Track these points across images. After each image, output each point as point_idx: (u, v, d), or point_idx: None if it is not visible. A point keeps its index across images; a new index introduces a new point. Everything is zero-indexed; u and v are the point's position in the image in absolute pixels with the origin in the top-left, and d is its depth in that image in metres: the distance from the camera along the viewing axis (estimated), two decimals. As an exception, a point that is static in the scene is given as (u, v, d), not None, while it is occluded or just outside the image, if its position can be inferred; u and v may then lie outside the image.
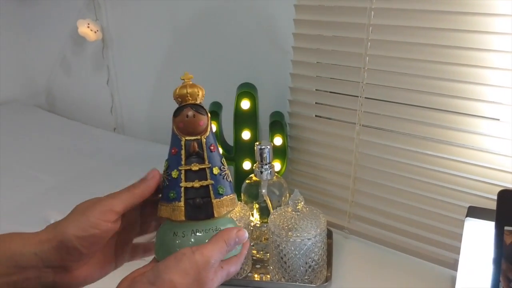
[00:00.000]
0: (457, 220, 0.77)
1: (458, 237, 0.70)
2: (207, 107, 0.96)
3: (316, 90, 0.91)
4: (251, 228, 0.84)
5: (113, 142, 1.26)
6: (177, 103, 0.48)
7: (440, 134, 0.77)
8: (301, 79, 0.91)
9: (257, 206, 0.85)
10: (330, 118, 0.90)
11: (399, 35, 0.76)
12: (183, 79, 0.48)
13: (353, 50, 0.81)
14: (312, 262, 0.75)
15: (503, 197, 0.57)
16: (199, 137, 0.47)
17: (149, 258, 0.50)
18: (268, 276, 0.80)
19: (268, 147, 0.81)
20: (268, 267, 0.81)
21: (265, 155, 0.81)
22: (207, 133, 0.47)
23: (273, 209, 0.82)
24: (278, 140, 0.92)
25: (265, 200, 0.83)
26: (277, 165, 0.92)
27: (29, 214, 0.86)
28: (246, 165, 0.95)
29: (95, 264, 0.48)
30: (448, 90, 0.74)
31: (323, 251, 0.76)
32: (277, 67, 1.01)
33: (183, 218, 0.46)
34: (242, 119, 0.92)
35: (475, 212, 0.68)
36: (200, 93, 0.47)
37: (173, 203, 0.46)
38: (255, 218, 0.86)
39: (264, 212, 0.85)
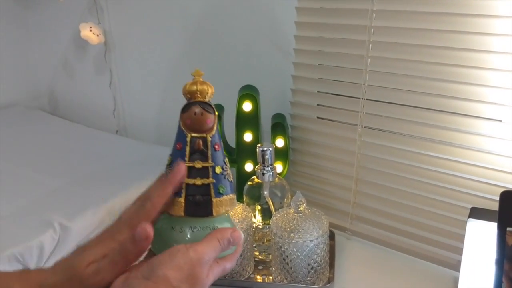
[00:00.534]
0: (459, 221, 0.77)
1: (461, 238, 0.70)
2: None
3: (318, 92, 0.91)
4: (253, 229, 0.84)
5: (115, 145, 1.26)
6: (186, 99, 0.47)
7: (442, 135, 0.77)
8: (303, 81, 0.92)
9: (259, 207, 0.85)
10: (332, 120, 0.90)
11: (400, 37, 0.76)
12: (194, 75, 0.48)
13: (354, 52, 0.82)
14: (315, 264, 0.75)
15: (506, 198, 0.58)
16: (204, 135, 0.47)
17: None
18: (271, 277, 0.81)
19: (270, 149, 0.81)
20: (271, 268, 0.81)
21: (267, 157, 0.81)
22: (213, 132, 0.47)
23: (275, 211, 0.82)
24: (280, 142, 0.92)
25: (267, 202, 0.83)
26: (279, 167, 0.92)
27: (33, 217, 0.86)
28: (248, 167, 0.95)
29: None
30: (449, 91, 0.74)
31: (325, 252, 0.76)
32: (279, 69, 1.01)
33: (182, 213, 0.46)
34: (244, 121, 0.92)
35: (477, 213, 0.68)
36: (210, 91, 0.47)
37: (173, 197, 0.46)
38: (257, 219, 0.86)
39: (266, 214, 0.85)
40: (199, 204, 0.46)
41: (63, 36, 1.46)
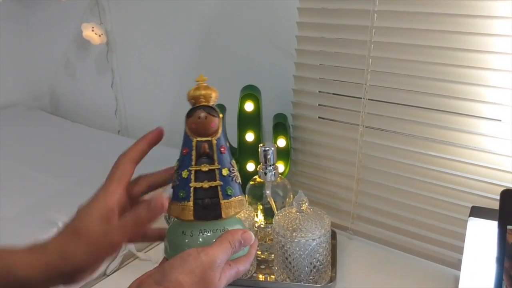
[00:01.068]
0: (460, 220, 0.78)
1: (461, 237, 0.70)
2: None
3: (319, 92, 0.91)
4: (256, 229, 0.85)
5: (117, 145, 1.25)
6: (191, 104, 0.48)
7: (443, 135, 0.78)
8: (305, 81, 0.92)
9: (261, 207, 0.86)
10: (333, 120, 0.91)
11: (402, 37, 0.77)
12: (198, 81, 0.49)
13: (356, 52, 0.82)
14: (317, 263, 0.75)
15: (506, 196, 0.58)
16: (210, 138, 0.48)
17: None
18: (273, 276, 0.81)
19: (272, 148, 0.81)
20: (273, 267, 0.82)
21: (269, 156, 0.82)
22: (218, 135, 0.48)
23: (277, 210, 0.83)
24: (281, 142, 0.92)
25: (269, 201, 0.83)
26: (280, 167, 0.92)
27: (36, 217, 0.87)
28: (250, 166, 0.96)
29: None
30: (450, 91, 0.75)
31: (328, 251, 0.77)
32: (281, 70, 1.02)
33: (191, 217, 0.46)
34: (246, 121, 0.93)
35: (478, 211, 0.69)
36: (213, 95, 0.48)
37: (182, 202, 0.47)
38: (260, 219, 0.87)
39: (268, 213, 0.85)
40: (208, 207, 0.46)
41: (64, 36, 1.46)
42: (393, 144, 0.83)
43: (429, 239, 0.83)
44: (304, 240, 0.73)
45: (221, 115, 0.49)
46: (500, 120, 0.72)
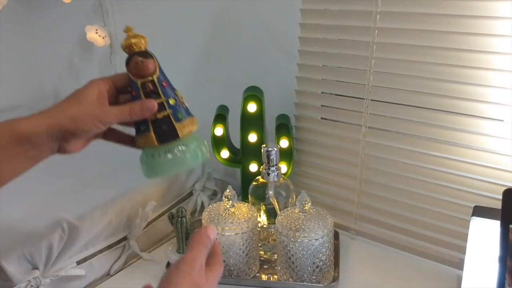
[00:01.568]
0: (462, 219, 0.78)
1: (464, 237, 0.71)
2: (213, 110, 0.97)
3: (322, 93, 0.92)
4: (259, 229, 0.85)
5: (120, 146, 1.27)
6: (126, 53, 0.55)
7: (445, 135, 0.78)
8: (307, 82, 0.93)
9: (264, 207, 0.86)
10: (336, 121, 0.91)
11: (404, 38, 0.77)
12: (126, 31, 0.55)
13: (358, 53, 0.82)
14: (320, 262, 0.76)
15: (508, 196, 0.59)
16: (151, 78, 0.54)
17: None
18: (276, 276, 0.81)
19: (275, 149, 0.82)
20: (276, 267, 0.82)
21: (272, 157, 0.82)
22: (157, 73, 0.55)
23: (280, 211, 0.83)
24: (284, 143, 0.93)
25: (272, 202, 0.84)
26: (283, 167, 0.93)
27: (41, 217, 0.87)
28: (253, 167, 0.96)
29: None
30: (453, 92, 0.75)
31: (330, 251, 0.77)
32: (283, 71, 1.02)
33: (155, 143, 0.54)
34: (249, 122, 0.93)
35: (480, 211, 0.69)
36: (143, 41, 0.55)
37: (145, 133, 0.54)
38: (262, 219, 0.87)
39: (271, 214, 0.86)
40: (166, 132, 0.54)
41: (68, 38, 1.47)
42: (395, 145, 0.83)
43: (431, 239, 0.84)
44: (307, 240, 0.73)
45: (155, 57, 0.55)
46: (503, 120, 0.72)
